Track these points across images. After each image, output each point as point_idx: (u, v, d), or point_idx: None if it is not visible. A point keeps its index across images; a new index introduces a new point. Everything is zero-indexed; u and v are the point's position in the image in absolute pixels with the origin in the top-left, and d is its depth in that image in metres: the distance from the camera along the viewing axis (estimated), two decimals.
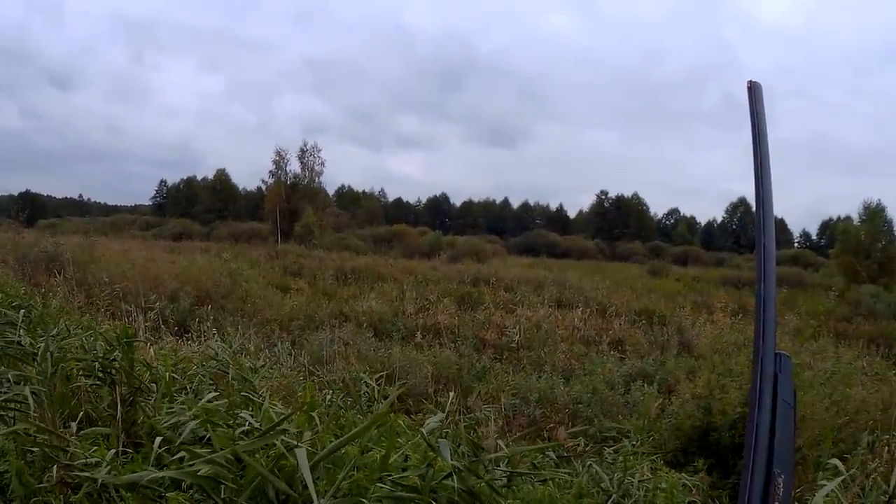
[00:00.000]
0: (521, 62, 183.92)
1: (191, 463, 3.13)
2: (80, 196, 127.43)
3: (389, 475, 3.17)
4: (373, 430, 3.92)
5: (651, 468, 5.99)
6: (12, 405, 4.18)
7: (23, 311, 6.62)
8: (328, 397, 6.59)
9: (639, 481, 5.03)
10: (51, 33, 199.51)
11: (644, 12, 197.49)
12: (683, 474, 5.91)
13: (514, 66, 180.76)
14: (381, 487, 3.08)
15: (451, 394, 5.95)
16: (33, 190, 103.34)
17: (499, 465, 4.27)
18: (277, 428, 3.43)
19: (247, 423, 3.81)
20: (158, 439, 3.53)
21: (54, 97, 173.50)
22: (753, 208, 1.74)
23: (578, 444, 7.60)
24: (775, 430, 1.49)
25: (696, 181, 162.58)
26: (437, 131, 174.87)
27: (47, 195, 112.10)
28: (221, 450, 3.14)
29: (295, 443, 3.27)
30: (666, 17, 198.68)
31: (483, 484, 3.39)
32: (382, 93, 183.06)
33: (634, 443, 6.92)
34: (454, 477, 3.13)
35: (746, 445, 1.50)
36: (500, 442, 4.66)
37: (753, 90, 1.70)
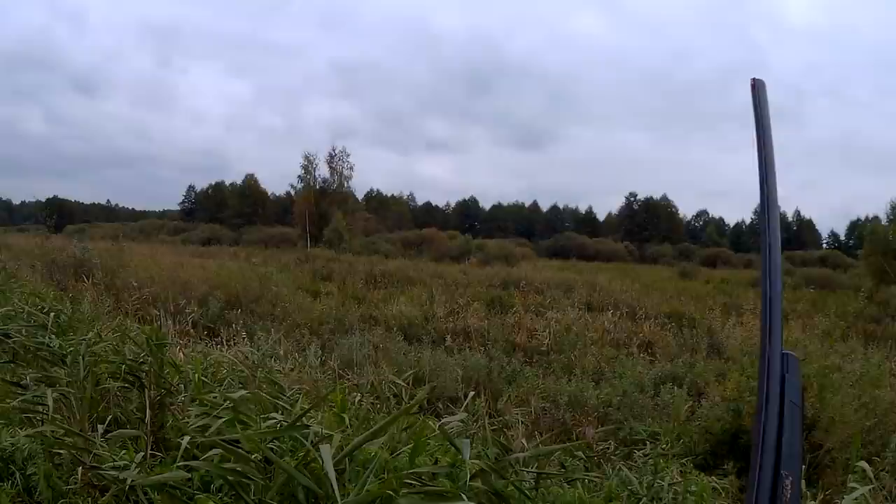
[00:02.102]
0: (548, 64, 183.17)
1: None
2: (109, 201, 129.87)
3: (419, 475, 3.15)
4: (401, 431, 3.92)
5: (681, 471, 5.95)
6: (40, 408, 4.21)
7: (52, 314, 6.67)
8: (357, 399, 6.60)
9: (668, 484, 4.99)
10: (75, 40, 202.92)
11: (671, 12, 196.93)
12: (713, 477, 5.90)
13: (541, 67, 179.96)
14: (411, 485, 3.07)
15: (471, 393, 5.95)
16: (61, 196, 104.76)
17: (528, 467, 4.26)
18: (301, 422, 3.44)
19: (275, 421, 3.80)
20: (187, 438, 3.52)
21: (80, 103, 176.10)
22: (757, 209, 1.73)
23: (608, 447, 7.57)
24: (783, 430, 1.48)
25: (725, 182, 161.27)
26: (465, 134, 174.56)
27: (75, 201, 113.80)
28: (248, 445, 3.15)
29: (325, 432, 3.28)
30: (693, 17, 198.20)
31: (510, 486, 3.37)
32: (410, 96, 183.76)
33: (664, 446, 6.87)
34: (479, 478, 3.11)
35: (753, 446, 1.49)
36: (524, 442, 4.65)
37: (757, 88, 1.69)
